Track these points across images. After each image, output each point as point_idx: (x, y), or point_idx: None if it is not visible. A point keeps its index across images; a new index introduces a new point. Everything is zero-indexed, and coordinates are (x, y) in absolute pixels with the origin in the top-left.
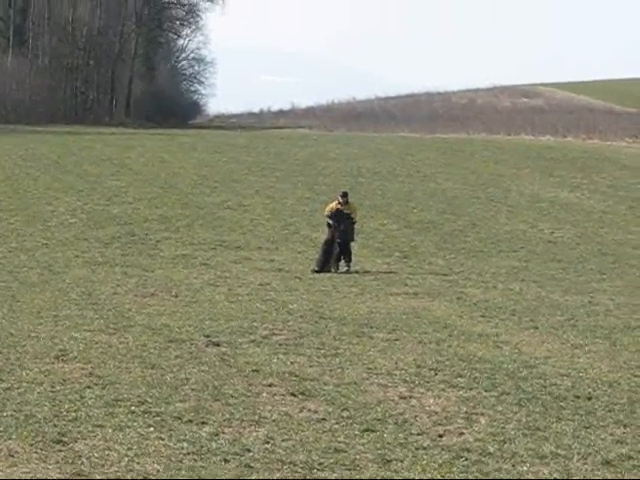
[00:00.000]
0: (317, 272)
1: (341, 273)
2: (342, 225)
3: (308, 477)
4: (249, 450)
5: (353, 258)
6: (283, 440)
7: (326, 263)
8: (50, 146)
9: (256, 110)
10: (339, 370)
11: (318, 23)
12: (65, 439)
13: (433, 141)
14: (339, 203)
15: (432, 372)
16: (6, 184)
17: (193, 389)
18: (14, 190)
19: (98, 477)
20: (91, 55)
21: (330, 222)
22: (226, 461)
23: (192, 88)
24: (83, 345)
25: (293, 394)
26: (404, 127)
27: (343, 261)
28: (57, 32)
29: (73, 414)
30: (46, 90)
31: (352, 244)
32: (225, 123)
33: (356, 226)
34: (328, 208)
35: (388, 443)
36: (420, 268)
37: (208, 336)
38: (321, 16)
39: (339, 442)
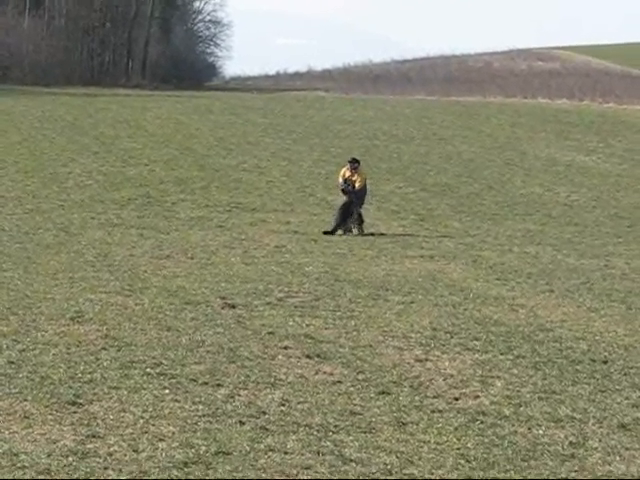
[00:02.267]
0: (327, 234)
1: (356, 236)
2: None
3: (324, 439)
4: (264, 412)
5: (366, 220)
6: (299, 403)
7: (340, 225)
8: (66, 108)
9: (272, 72)
10: (355, 333)
11: None
12: (80, 401)
13: (449, 104)
14: (348, 169)
15: (448, 335)
16: (22, 146)
17: (208, 351)
18: (30, 152)
19: (113, 439)
20: (107, 17)
21: (343, 187)
22: (241, 423)
23: (208, 50)
24: (99, 307)
25: (308, 356)
26: (420, 90)
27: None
28: None
29: (88, 376)
30: (62, 52)
31: (359, 209)
32: (241, 85)
33: (368, 189)
34: (341, 174)
35: (404, 406)
36: (436, 231)
37: (224, 298)
38: None
39: (355, 405)
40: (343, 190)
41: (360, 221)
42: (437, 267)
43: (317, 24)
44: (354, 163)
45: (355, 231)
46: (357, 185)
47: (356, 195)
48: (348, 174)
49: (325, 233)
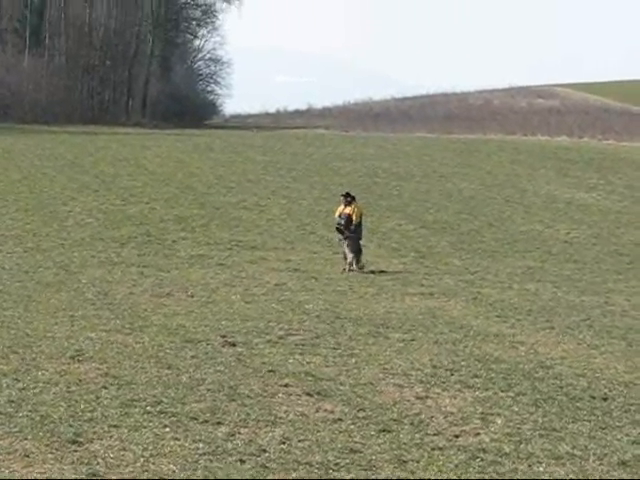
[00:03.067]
0: (351, 271)
1: (357, 273)
2: (345, 228)
3: (324, 477)
4: (265, 450)
5: (365, 259)
6: (299, 440)
7: (359, 259)
8: (67, 146)
9: (272, 110)
10: (355, 370)
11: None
12: (81, 439)
13: (449, 141)
14: (343, 204)
15: (448, 372)
16: (23, 184)
17: (209, 389)
18: (31, 190)
19: (114, 477)
20: (107, 55)
21: (338, 224)
22: (242, 461)
23: (208, 88)
24: (99, 345)
25: (309, 394)
26: (421, 127)
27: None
28: (73, 32)
29: (89, 414)
30: (62, 90)
31: (360, 242)
32: (241, 123)
33: (365, 225)
34: (338, 210)
35: (404, 443)
36: (436, 268)
37: (224, 336)
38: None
39: (355, 442)
40: (338, 229)
41: (359, 255)
42: (437, 304)
43: (317, 61)
44: (348, 197)
45: (354, 267)
46: (354, 219)
47: (354, 230)
48: (342, 208)
49: (350, 270)
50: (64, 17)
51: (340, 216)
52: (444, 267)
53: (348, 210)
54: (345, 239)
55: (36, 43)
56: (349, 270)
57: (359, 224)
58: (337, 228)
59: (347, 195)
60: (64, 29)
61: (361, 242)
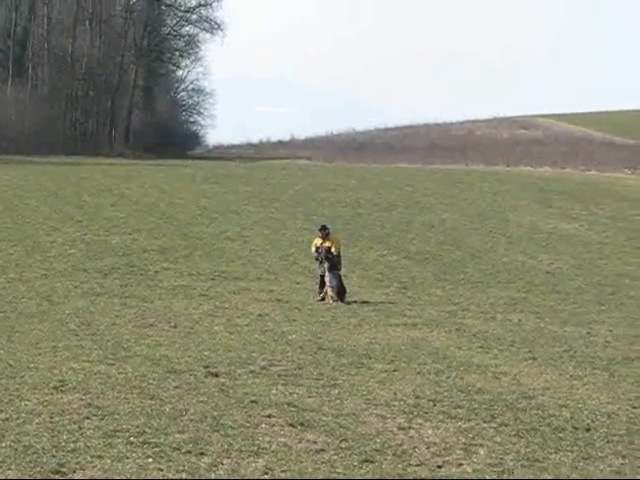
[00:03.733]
0: (343, 301)
1: (339, 304)
2: (327, 260)
3: None
4: None
5: (347, 289)
6: (282, 471)
7: (344, 292)
8: (49, 176)
9: (255, 141)
10: (338, 401)
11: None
12: (64, 469)
13: (432, 172)
14: (320, 237)
15: (431, 403)
16: (5, 214)
17: (192, 420)
18: (13, 220)
19: None
20: (90, 86)
21: (317, 255)
22: None
23: (191, 119)
24: (82, 376)
25: (292, 425)
26: (403, 158)
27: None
28: (56, 63)
29: (72, 445)
30: (45, 120)
31: (341, 274)
32: (224, 154)
33: (346, 256)
34: (313, 244)
35: (387, 474)
36: (419, 299)
37: (207, 367)
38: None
39: (338, 473)
40: (317, 258)
41: (323, 284)
42: (420, 335)
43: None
44: (324, 230)
45: (318, 296)
46: (333, 250)
47: (335, 263)
48: (320, 242)
49: (342, 300)
50: (47, 47)
51: (318, 250)
52: (427, 297)
53: (327, 243)
54: (329, 271)
55: (19, 73)
56: (334, 300)
57: (338, 255)
58: (316, 258)
59: (324, 228)
60: (47, 59)
61: (340, 273)
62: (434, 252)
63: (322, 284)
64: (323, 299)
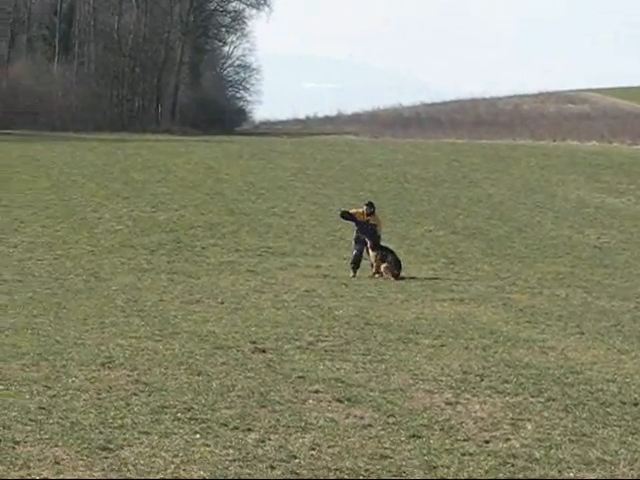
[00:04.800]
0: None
1: (386, 279)
2: (366, 236)
3: None
4: (295, 457)
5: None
6: (329, 447)
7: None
8: (96, 153)
9: (302, 116)
10: (385, 376)
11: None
12: (111, 446)
13: (479, 147)
14: (364, 214)
15: (478, 378)
16: (52, 191)
17: (239, 396)
18: (60, 197)
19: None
20: (137, 62)
21: (357, 236)
22: (272, 468)
23: (238, 95)
24: (129, 352)
25: (339, 400)
26: (450, 133)
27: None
28: (103, 40)
29: (119, 421)
30: (92, 97)
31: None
32: (271, 130)
33: (382, 232)
34: (354, 211)
35: (434, 449)
36: (466, 274)
37: (254, 343)
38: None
39: (385, 448)
40: (358, 237)
41: (357, 263)
42: (467, 310)
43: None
44: (371, 207)
45: (351, 273)
46: (379, 230)
47: (378, 242)
48: (363, 217)
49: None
50: (93, 24)
51: (362, 226)
52: (474, 273)
53: (373, 221)
54: (378, 249)
55: (65, 50)
56: (395, 276)
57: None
58: (357, 238)
59: (371, 205)
60: (93, 36)
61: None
62: (481, 227)
63: (357, 263)
64: (379, 274)
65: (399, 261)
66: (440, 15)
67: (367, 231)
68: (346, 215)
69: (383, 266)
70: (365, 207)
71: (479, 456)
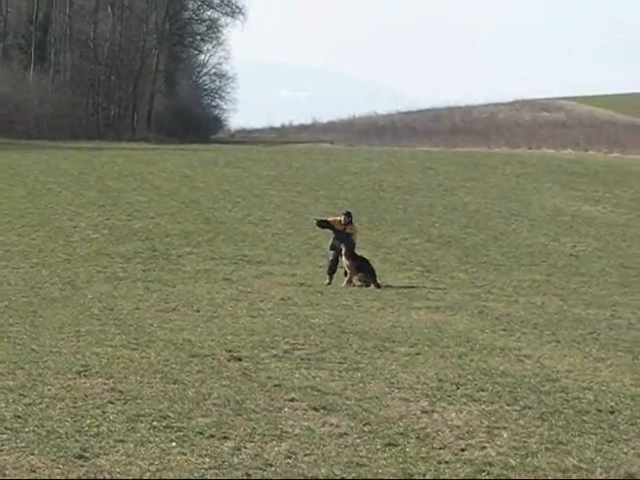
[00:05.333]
0: (378, 287)
1: (361, 287)
2: (342, 245)
3: None
4: (271, 465)
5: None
6: (305, 455)
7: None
8: (72, 161)
9: (277, 125)
10: (361, 384)
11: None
12: (87, 454)
13: (454, 155)
14: (342, 222)
15: (454, 386)
16: (28, 199)
17: (215, 404)
18: (36, 206)
19: None
20: (112, 70)
21: (333, 244)
22: (248, 475)
23: (213, 103)
24: (105, 360)
25: (315, 409)
26: (425, 141)
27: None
28: (78, 48)
29: (95, 429)
30: (68, 105)
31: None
32: (247, 138)
33: (358, 240)
34: (332, 219)
35: (410, 457)
36: (442, 282)
37: (230, 351)
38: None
39: (361, 457)
40: (334, 245)
41: (332, 270)
42: (443, 318)
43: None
44: (349, 217)
45: (327, 280)
46: (355, 239)
47: (350, 245)
48: (340, 226)
49: (378, 287)
50: (69, 33)
51: (337, 233)
52: (450, 281)
53: (349, 230)
54: (353, 258)
55: (41, 59)
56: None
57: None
58: (332, 246)
59: (349, 215)
60: (69, 45)
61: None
62: (457, 235)
63: (333, 269)
64: (352, 283)
65: (374, 271)
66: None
67: (344, 240)
68: (323, 224)
69: (357, 276)
70: (343, 216)
71: (455, 464)
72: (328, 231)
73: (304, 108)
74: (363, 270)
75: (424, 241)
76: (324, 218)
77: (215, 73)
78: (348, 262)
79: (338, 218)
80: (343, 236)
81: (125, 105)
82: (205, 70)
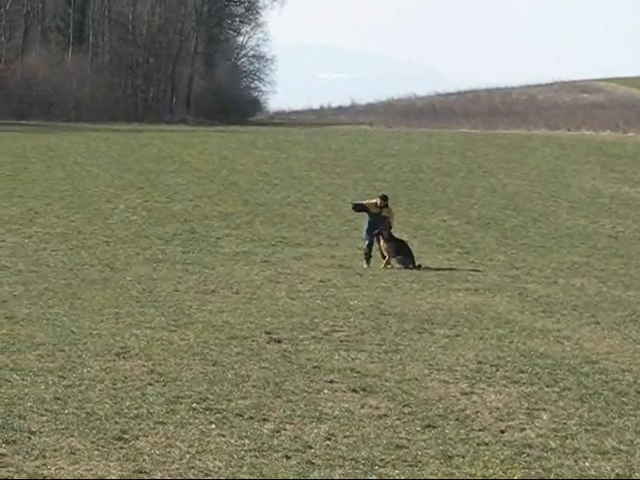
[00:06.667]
0: (418, 267)
1: (400, 269)
2: (379, 227)
3: (370, 473)
4: (310, 447)
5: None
6: (344, 436)
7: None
8: (110, 144)
9: (316, 107)
10: (400, 366)
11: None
12: (126, 436)
13: (494, 137)
14: (377, 205)
15: (493, 368)
16: (67, 182)
17: (254, 386)
18: (75, 188)
19: (159, 474)
20: (151, 53)
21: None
22: (287, 458)
23: (252, 85)
24: (144, 342)
25: (354, 390)
26: (464, 123)
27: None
28: (117, 30)
29: (134, 411)
30: (106, 88)
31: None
32: (285, 120)
33: (395, 223)
34: (367, 202)
35: (450, 439)
36: (481, 264)
37: (269, 333)
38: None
39: (400, 438)
40: (369, 231)
41: (369, 253)
42: (482, 300)
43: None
44: (385, 200)
45: (364, 263)
46: (392, 222)
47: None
48: (376, 210)
49: (417, 268)
50: (107, 14)
51: (374, 215)
52: (489, 263)
53: (385, 213)
54: (392, 241)
55: (79, 41)
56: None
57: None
58: (377, 233)
59: (385, 198)
60: (108, 27)
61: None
62: (496, 217)
63: (370, 252)
64: (390, 265)
65: (412, 253)
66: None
67: (380, 223)
68: (359, 207)
69: (395, 259)
70: (379, 199)
71: (494, 446)
72: (365, 214)
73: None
74: (401, 252)
75: (463, 223)
76: (360, 202)
77: (254, 55)
78: (386, 245)
79: (374, 201)
80: (379, 219)
81: (164, 87)
82: (244, 52)
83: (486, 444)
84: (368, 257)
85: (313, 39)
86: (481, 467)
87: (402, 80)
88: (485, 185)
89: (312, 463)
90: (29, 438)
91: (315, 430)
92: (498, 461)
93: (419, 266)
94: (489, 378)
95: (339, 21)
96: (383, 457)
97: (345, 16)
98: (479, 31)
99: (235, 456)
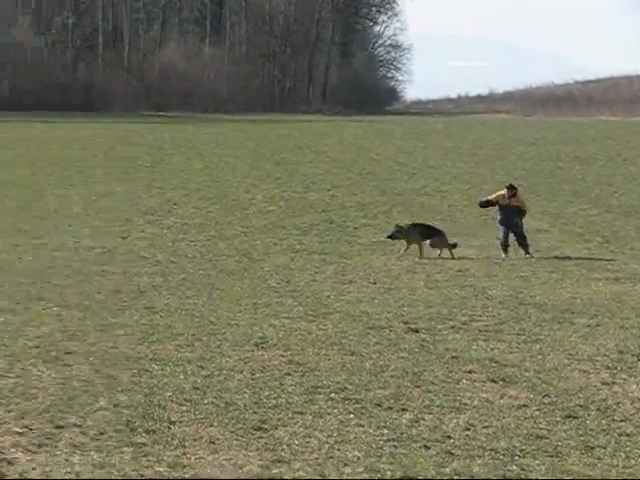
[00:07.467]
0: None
1: (540, 259)
2: (511, 218)
3: (510, 464)
4: (450, 437)
5: (548, 243)
6: (484, 427)
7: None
8: (248, 134)
9: (453, 96)
10: (540, 356)
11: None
12: (265, 426)
13: (634, 125)
14: (505, 197)
15: (635, 358)
16: (204, 173)
17: (392, 376)
18: (212, 179)
19: (298, 464)
20: (287, 43)
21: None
22: (426, 448)
23: (389, 74)
24: (282, 332)
25: (493, 380)
26: (604, 111)
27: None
28: (253, 21)
29: (273, 401)
30: (243, 79)
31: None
32: (422, 109)
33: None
34: (496, 194)
35: (591, 429)
36: (621, 253)
37: (407, 323)
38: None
39: (541, 429)
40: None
41: (506, 244)
42: (623, 289)
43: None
44: (512, 190)
45: (502, 255)
46: (523, 209)
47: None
48: (505, 199)
49: (527, 253)
50: (244, 5)
51: (504, 206)
52: (630, 252)
53: (515, 202)
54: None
55: (216, 32)
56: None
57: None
58: (502, 219)
59: (512, 187)
60: (244, 17)
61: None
62: (636, 205)
63: (506, 243)
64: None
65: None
66: None
67: (511, 213)
68: (485, 204)
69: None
70: (506, 189)
71: (637, 437)
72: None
73: (476, 78)
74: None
75: (603, 211)
76: (485, 198)
77: (390, 44)
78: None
79: (501, 192)
80: (510, 210)
81: (300, 77)
82: (380, 41)
83: (628, 435)
84: (505, 248)
85: (437, 28)
86: (623, 458)
87: (535, 68)
88: (625, 173)
89: (451, 453)
90: (169, 428)
91: (454, 420)
92: None
93: (455, 245)
94: (630, 368)
95: (471, 10)
96: (523, 447)
97: (477, 5)
98: (618, 18)
99: (374, 446)
